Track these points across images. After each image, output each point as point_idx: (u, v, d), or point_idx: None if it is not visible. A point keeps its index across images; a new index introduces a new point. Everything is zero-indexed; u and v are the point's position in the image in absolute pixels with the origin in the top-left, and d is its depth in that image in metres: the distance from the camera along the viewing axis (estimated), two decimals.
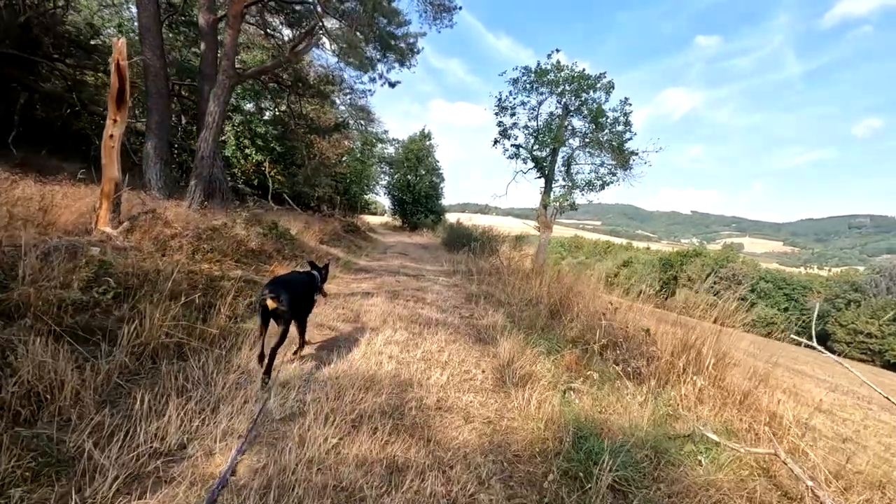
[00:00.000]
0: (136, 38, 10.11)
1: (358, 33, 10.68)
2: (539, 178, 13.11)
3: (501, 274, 9.44)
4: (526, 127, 13.19)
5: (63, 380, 2.32)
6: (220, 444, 2.27)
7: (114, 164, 5.37)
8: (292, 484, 2.03)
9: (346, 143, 21.22)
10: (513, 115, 13.14)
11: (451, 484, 2.24)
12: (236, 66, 11.73)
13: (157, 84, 8.83)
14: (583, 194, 12.50)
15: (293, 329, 3.54)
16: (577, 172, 12.76)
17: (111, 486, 1.83)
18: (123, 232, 5.35)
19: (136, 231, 5.52)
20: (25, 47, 9.49)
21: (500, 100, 13.13)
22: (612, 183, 12.17)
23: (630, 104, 11.86)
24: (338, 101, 20.29)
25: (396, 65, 12.84)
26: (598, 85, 11.86)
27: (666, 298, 6.91)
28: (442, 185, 35.22)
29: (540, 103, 12.73)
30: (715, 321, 4.54)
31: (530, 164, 13.18)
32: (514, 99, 12.95)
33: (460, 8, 11.50)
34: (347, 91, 17.16)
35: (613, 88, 11.86)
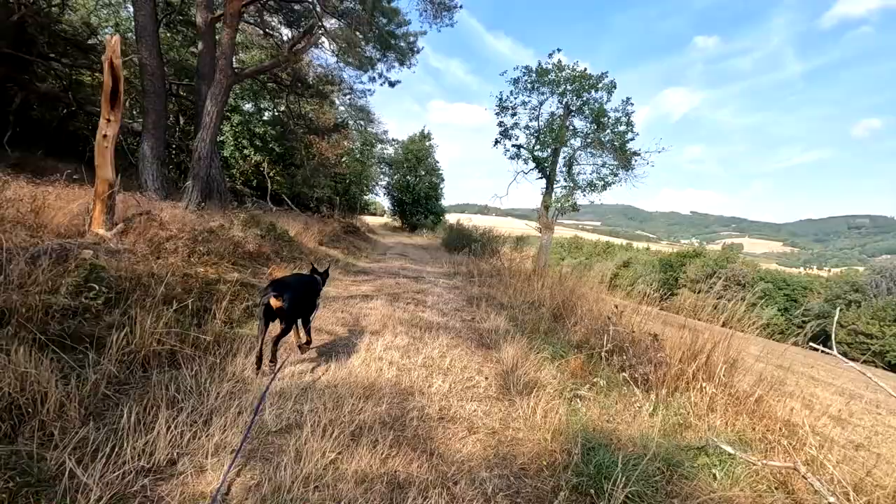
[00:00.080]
0: (133, 37, 9.99)
1: (357, 33, 10.57)
2: (540, 178, 13.00)
3: (503, 276, 9.33)
4: (527, 127, 13.11)
5: (46, 391, 2.20)
6: (212, 459, 2.15)
7: (107, 164, 5.26)
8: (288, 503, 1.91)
9: (345, 143, 21.10)
10: (514, 115, 13.04)
11: (456, 502, 2.13)
12: (234, 65, 11.62)
13: (153, 83, 8.71)
14: (584, 195, 12.40)
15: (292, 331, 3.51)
16: (579, 173, 12.67)
17: None
18: (117, 234, 5.23)
19: (130, 233, 5.41)
20: (20, 46, 9.38)
21: (500, 100, 13.03)
22: (614, 183, 12.08)
23: (632, 104, 11.76)
24: (337, 102, 20.21)
25: (396, 64, 12.75)
26: (600, 85, 11.75)
27: (664, 299, 6.79)
28: (441, 186, 35.15)
29: (541, 103, 12.64)
30: (724, 325, 4.43)
31: (531, 165, 13.07)
32: (515, 99, 12.87)
33: (461, 6, 11.40)
34: (347, 91, 17.07)
35: (615, 88, 11.77)
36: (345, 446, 2.39)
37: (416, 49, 12.63)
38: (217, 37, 10.60)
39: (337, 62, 14.16)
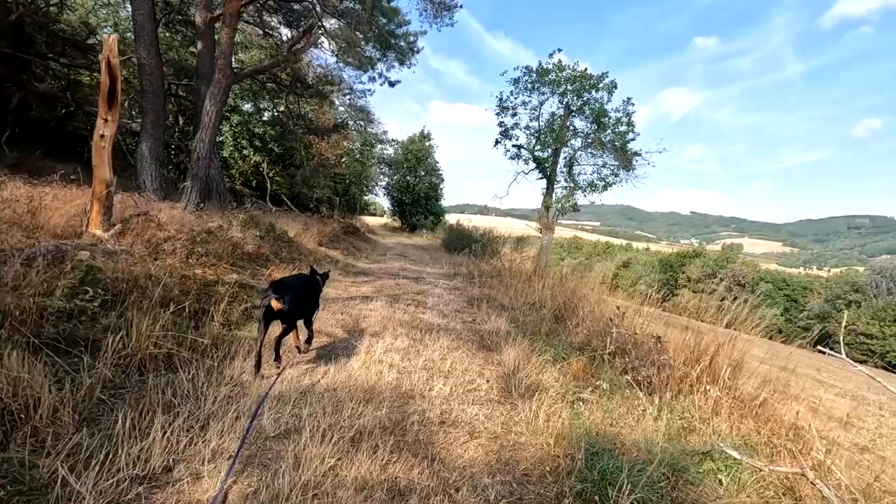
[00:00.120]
0: (132, 37, 9.95)
1: (357, 32, 10.53)
2: (541, 178, 12.95)
3: (503, 276, 9.28)
4: (527, 127, 13.05)
5: (39, 396, 2.15)
6: (209, 465, 2.11)
7: (105, 164, 5.22)
8: None
9: (345, 143, 21.06)
10: (514, 115, 12.99)
11: None
12: (234, 65, 11.57)
13: (152, 83, 8.66)
14: (585, 195, 12.35)
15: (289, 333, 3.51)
16: (580, 173, 12.62)
17: None
18: (115, 235, 5.18)
19: (128, 234, 5.36)
20: (18, 46, 9.33)
21: (501, 100, 12.97)
22: (614, 184, 12.03)
23: (633, 104, 11.71)
24: (337, 102, 20.17)
25: (396, 64, 12.71)
26: (601, 85, 11.70)
27: (665, 300, 6.75)
28: (441, 186, 35.11)
29: (541, 103, 12.59)
30: (727, 326, 4.39)
31: (532, 165, 13.02)
32: (516, 99, 12.81)
33: (461, 6, 11.36)
34: (347, 91, 17.03)
35: (616, 88, 11.72)
36: (344, 452, 2.34)
37: (416, 49, 12.59)
38: (216, 37, 10.56)
39: (337, 62, 14.13)
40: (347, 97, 18.92)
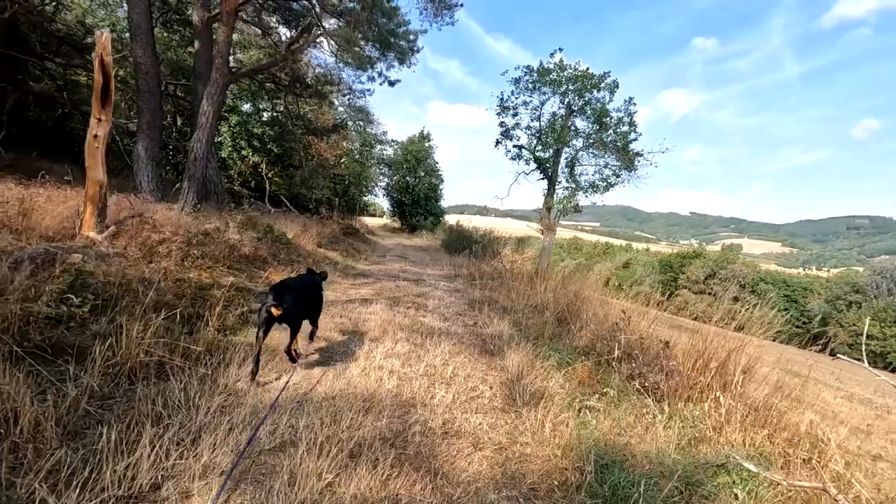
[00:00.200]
0: (129, 37, 9.83)
1: (357, 32, 10.42)
2: (542, 179, 12.84)
3: (504, 278, 9.18)
4: (528, 127, 12.94)
5: (19, 409, 2.04)
6: (200, 482, 2.00)
7: (98, 165, 5.10)
8: None
9: (344, 144, 20.93)
10: (515, 115, 12.88)
11: None
12: (232, 65, 11.47)
13: (148, 83, 8.55)
14: (586, 196, 12.24)
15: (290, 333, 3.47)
16: (581, 174, 12.51)
17: None
18: (108, 237, 5.07)
19: (122, 236, 5.24)
20: (12, 45, 9.21)
21: (502, 100, 12.86)
22: (616, 184, 11.92)
23: (634, 104, 11.60)
24: (336, 102, 20.04)
25: (396, 63, 12.60)
26: (602, 84, 11.60)
27: (668, 300, 6.63)
28: (441, 187, 34.97)
29: (542, 103, 12.47)
30: (736, 329, 4.27)
31: (533, 166, 12.91)
32: (517, 99, 12.70)
33: (461, 4, 11.26)
34: (346, 91, 16.90)
35: (618, 88, 11.62)
36: (343, 467, 2.23)
37: (416, 48, 12.48)
38: (214, 36, 10.46)
39: (336, 62, 14.01)
40: (347, 97, 18.79)
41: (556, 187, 12.69)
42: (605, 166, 12.21)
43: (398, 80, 13.34)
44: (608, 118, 11.76)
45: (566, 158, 12.71)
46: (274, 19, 13.56)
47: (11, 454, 1.90)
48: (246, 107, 17.71)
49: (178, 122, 15.95)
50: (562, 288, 7.43)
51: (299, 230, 10.94)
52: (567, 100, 12.22)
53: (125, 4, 11.26)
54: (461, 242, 16.13)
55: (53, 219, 5.13)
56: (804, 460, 2.82)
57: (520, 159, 13.25)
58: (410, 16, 32.34)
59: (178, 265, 4.91)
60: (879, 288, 40.78)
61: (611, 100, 11.80)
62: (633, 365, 4.00)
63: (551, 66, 12.07)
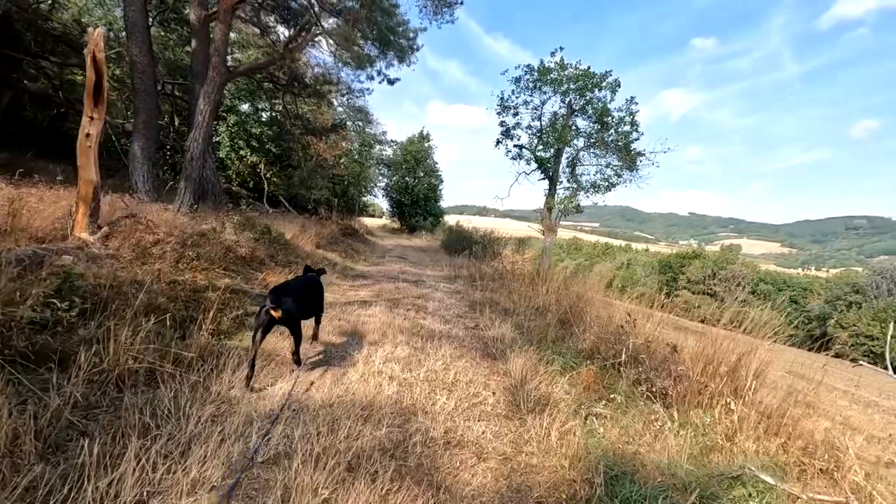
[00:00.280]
0: (125, 35, 9.70)
1: (356, 30, 10.30)
2: (542, 179, 12.73)
3: (505, 279, 9.07)
4: (529, 127, 12.83)
5: None
6: (188, 499, 1.87)
7: (91, 164, 4.98)
8: None
9: (343, 144, 20.81)
10: (515, 114, 12.77)
11: None
12: (230, 64, 11.35)
13: (144, 81, 8.43)
14: (588, 196, 12.13)
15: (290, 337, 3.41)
16: (582, 174, 12.40)
17: None
18: (101, 238, 4.95)
19: (115, 237, 5.12)
20: (6, 43, 9.07)
21: (502, 99, 12.75)
22: (618, 184, 11.82)
23: (636, 103, 11.48)
24: (335, 102, 19.93)
25: (396, 62, 12.48)
26: (604, 84, 11.50)
27: (668, 298, 6.53)
28: (441, 187, 34.88)
29: (543, 103, 12.36)
30: (745, 332, 4.16)
31: (533, 166, 12.80)
32: (517, 98, 12.59)
33: (461, 2, 11.15)
34: (345, 91, 16.77)
35: (619, 87, 11.50)
36: (340, 481, 2.11)
37: (415, 46, 12.37)
38: (211, 35, 10.35)
39: (335, 62, 13.89)
40: (346, 97, 18.67)
41: (558, 187, 12.58)
42: (607, 166, 12.11)
43: (398, 79, 13.24)
44: (609, 118, 11.66)
45: (567, 158, 12.62)
46: (272, 18, 13.44)
47: None
48: (244, 107, 17.60)
49: (176, 122, 15.84)
50: (564, 289, 7.32)
51: (298, 231, 10.82)
52: (568, 99, 12.12)
53: (121, 3, 11.16)
54: (461, 243, 16.02)
55: (45, 219, 5.01)
56: (821, 470, 2.70)
57: (520, 159, 13.16)
58: (410, 14, 32.27)
59: (173, 267, 4.79)
60: (879, 288, 40.71)
61: (612, 99, 11.71)
62: (640, 369, 3.88)
63: (552, 65, 11.97)
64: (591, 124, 12.24)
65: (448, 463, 2.45)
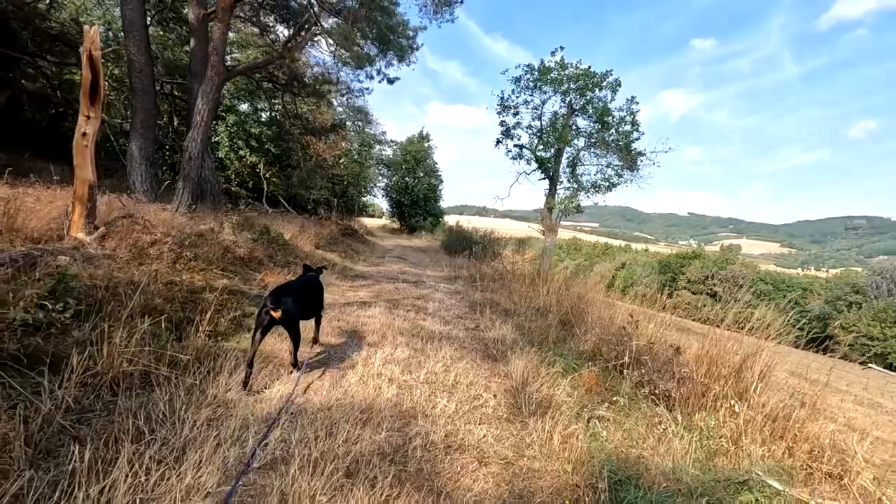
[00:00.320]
0: (123, 33, 9.65)
1: (355, 29, 10.26)
2: (543, 179, 12.68)
3: (505, 280, 9.02)
4: (529, 127, 12.78)
5: None
6: None
7: (87, 164, 4.93)
8: None
9: (343, 144, 20.76)
10: (516, 114, 12.72)
11: None
12: (229, 63, 11.30)
13: (141, 81, 8.37)
14: (588, 196, 12.09)
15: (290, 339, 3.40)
16: (583, 174, 12.35)
17: None
18: (98, 238, 4.90)
19: (112, 237, 5.07)
20: (3, 42, 9.01)
21: (502, 99, 12.70)
22: (619, 184, 11.77)
23: (637, 102, 11.44)
24: (335, 102, 19.89)
25: (395, 61, 12.43)
26: (604, 83, 11.45)
27: (668, 298, 6.49)
28: (440, 187, 34.83)
29: (543, 102, 12.31)
30: (749, 333, 4.11)
31: (534, 165, 12.75)
32: (518, 98, 12.54)
33: (461, 1, 11.11)
34: (344, 91, 16.73)
35: (620, 87, 11.45)
36: (338, 487, 2.06)
37: (415, 46, 12.32)
38: (210, 34, 10.30)
39: (335, 61, 13.84)
40: (345, 97, 18.64)
41: (558, 187, 12.53)
42: (608, 166, 12.07)
43: (397, 78, 13.19)
44: (610, 117, 11.62)
45: (568, 158, 12.58)
46: (272, 18, 13.40)
47: None
48: (244, 107, 17.55)
49: (175, 122, 15.78)
50: (564, 290, 7.27)
51: (297, 231, 10.77)
52: (568, 99, 12.07)
53: (120, 1, 11.11)
54: (461, 243, 15.98)
55: (41, 220, 4.96)
56: (828, 474, 2.66)
57: (521, 159, 13.11)
58: (410, 13, 32.23)
59: (170, 267, 4.74)
60: (879, 288, 40.71)
61: (613, 99, 11.67)
62: (643, 371, 3.84)
63: (552, 64, 11.93)
64: (591, 124, 12.20)
65: (449, 468, 2.41)
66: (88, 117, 4.83)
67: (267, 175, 17.57)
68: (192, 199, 8.19)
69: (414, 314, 5.88)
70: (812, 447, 2.93)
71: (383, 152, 32.46)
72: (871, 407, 7.05)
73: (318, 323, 4.02)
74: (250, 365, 2.96)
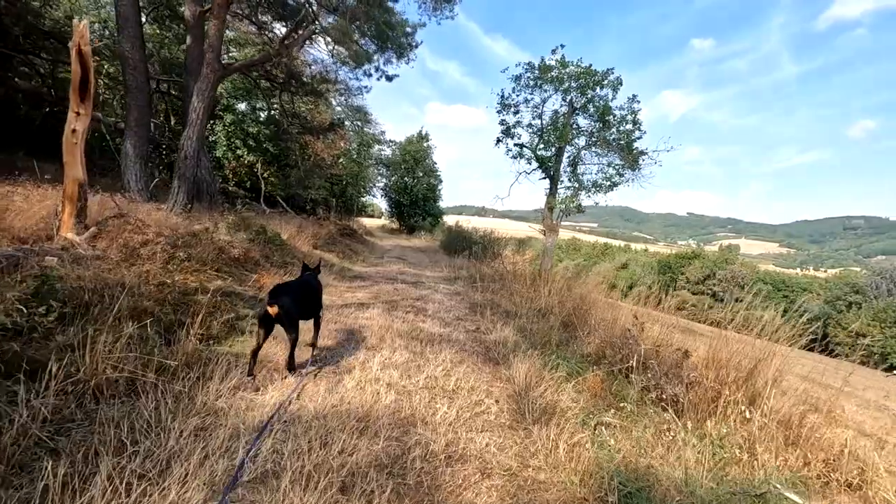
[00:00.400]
0: (116, 30, 9.50)
1: (353, 26, 10.13)
2: (543, 178, 12.56)
3: (506, 280, 8.90)
4: (530, 125, 12.65)
5: None
6: None
7: (77, 162, 4.80)
8: None
9: (341, 143, 20.62)
10: (516, 112, 12.58)
11: None
12: (225, 61, 11.16)
13: (136, 78, 8.24)
14: (589, 196, 11.96)
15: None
16: (584, 173, 12.23)
17: None
18: (88, 238, 4.77)
19: (103, 237, 4.94)
20: None
21: (502, 97, 12.57)
22: (620, 184, 11.64)
23: (638, 101, 11.33)
24: (333, 101, 19.75)
25: (394, 58, 12.31)
26: (605, 82, 11.34)
27: (667, 295, 6.38)
28: (440, 187, 34.71)
29: (544, 101, 12.17)
30: (758, 335, 4.00)
31: (534, 165, 12.63)
32: (518, 96, 12.40)
33: None
34: (343, 90, 16.59)
35: (621, 85, 11.32)
36: (332, 503, 1.94)
37: (414, 43, 12.19)
38: (206, 31, 10.16)
39: (333, 59, 13.71)
40: (344, 96, 18.49)
41: (559, 187, 12.41)
42: (609, 165, 11.94)
43: (396, 75, 13.06)
44: (611, 116, 11.49)
45: (568, 157, 12.45)
46: (269, 16, 13.25)
47: None
48: (241, 106, 17.40)
49: (172, 121, 15.64)
50: (566, 290, 7.16)
51: (294, 231, 10.64)
52: (569, 97, 11.94)
53: None
54: (460, 243, 15.85)
55: (29, 219, 4.83)
56: (848, 485, 2.54)
57: (521, 158, 12.96)
58: (409, 10, 31.96)
59: (162, 268, 4.60)
60: (879, 288, 40.66)
61: (614, 97, 11.54)
62: (649, 375, 3.71)
63: (553, 62, 11.80)
64: (592, 123, 12.08)
65: (450, 480, 2.28)
66: (78, 114, 4.70)
67: (265, 175, 17.43)
68: (187, 199, 8.05)
69: (413, 316, 5.75)
70: (827, 455, 2.82)
71: (382, 152, 32.34)
72: (877, 408, 6.94)
73: (317, 326, 3.87)
74: (255, 354, 3.09)
